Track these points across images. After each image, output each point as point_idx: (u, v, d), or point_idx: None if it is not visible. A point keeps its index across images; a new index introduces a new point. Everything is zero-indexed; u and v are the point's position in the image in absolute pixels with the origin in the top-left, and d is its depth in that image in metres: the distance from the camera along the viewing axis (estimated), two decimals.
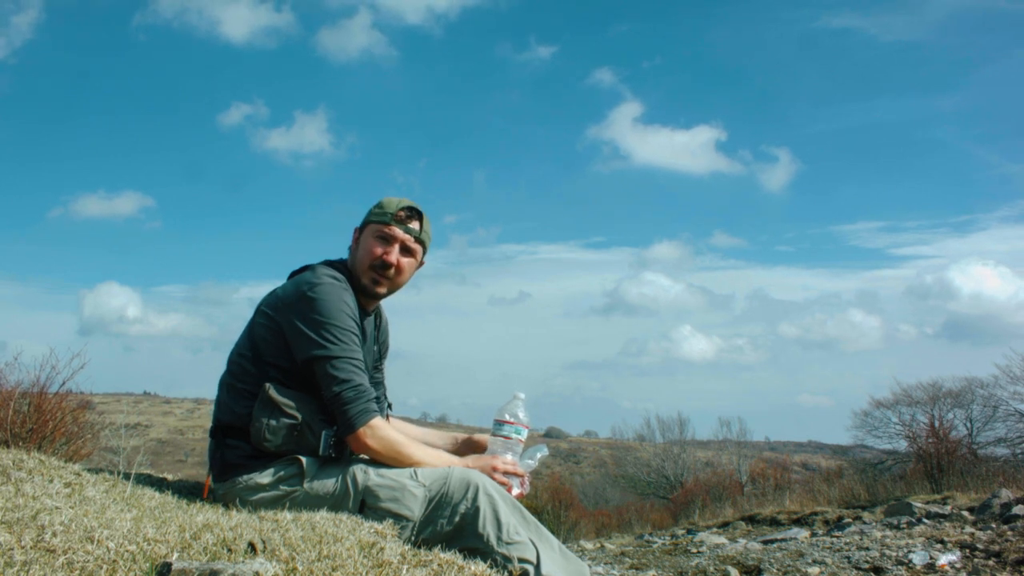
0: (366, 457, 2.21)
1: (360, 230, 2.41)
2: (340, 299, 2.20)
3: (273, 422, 2.10)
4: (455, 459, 2.27)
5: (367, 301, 2.38)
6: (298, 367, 2.18)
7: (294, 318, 2.17)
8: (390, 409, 2.55)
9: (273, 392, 2.12)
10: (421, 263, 2.44)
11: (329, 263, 2.37)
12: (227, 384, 2.27)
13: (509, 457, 2.30)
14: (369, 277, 2.34)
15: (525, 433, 2.36)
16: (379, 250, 2.33)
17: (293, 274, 2.38)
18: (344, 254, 2.46)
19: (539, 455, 2.38)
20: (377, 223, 2.35)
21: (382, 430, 2.14)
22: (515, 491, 2.23)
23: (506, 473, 2.25)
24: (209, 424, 2.31)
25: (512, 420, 2.34)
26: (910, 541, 4.63)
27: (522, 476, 2.28)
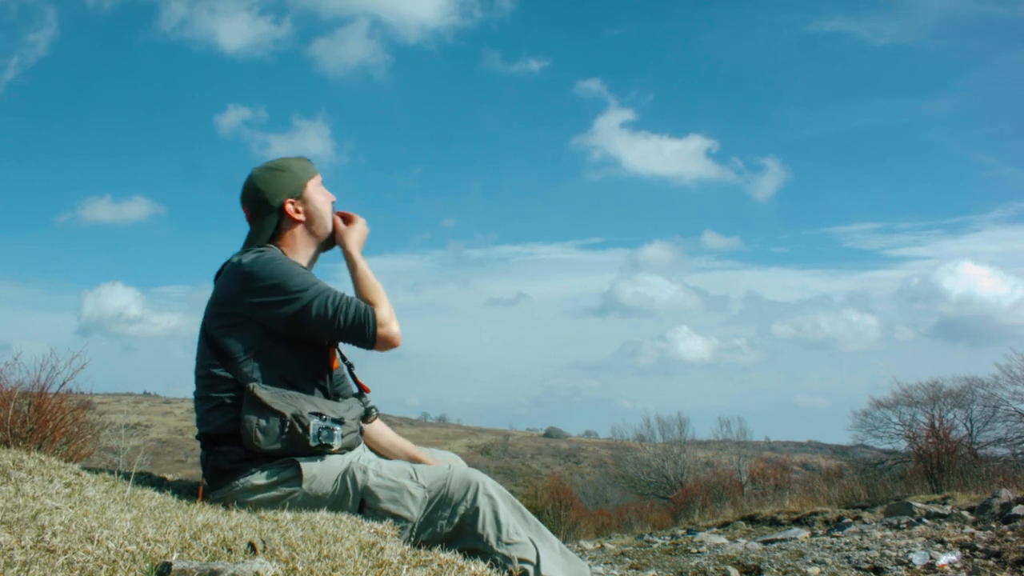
0: (364, 456, 2.22)
1: (297, 197, 2.37)
2: (281, 260, 2.22)
3: (263, 421, 2.08)
4: None
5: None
6: (276, 357, 2.18)
7: (251, 297, 2.16)
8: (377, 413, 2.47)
9: (258, 391, 2.10)
10: None
11: (248, 249, 2.34)
12: (204, 398, 2.22)
13: None
14: (331, 218, 2.43)
15: None
16: (332, 194, 2.44)
17: (217, 275, 2.37)
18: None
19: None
20: (312, 176, 2.40)
21: (387, 318, 2.19)
22: None
23: None
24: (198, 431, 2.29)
25: None
26: (910, 541, 4.63)
27: None
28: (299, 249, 2.37)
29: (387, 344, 2.19)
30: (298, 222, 2.37)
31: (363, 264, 2.32)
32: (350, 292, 2.28)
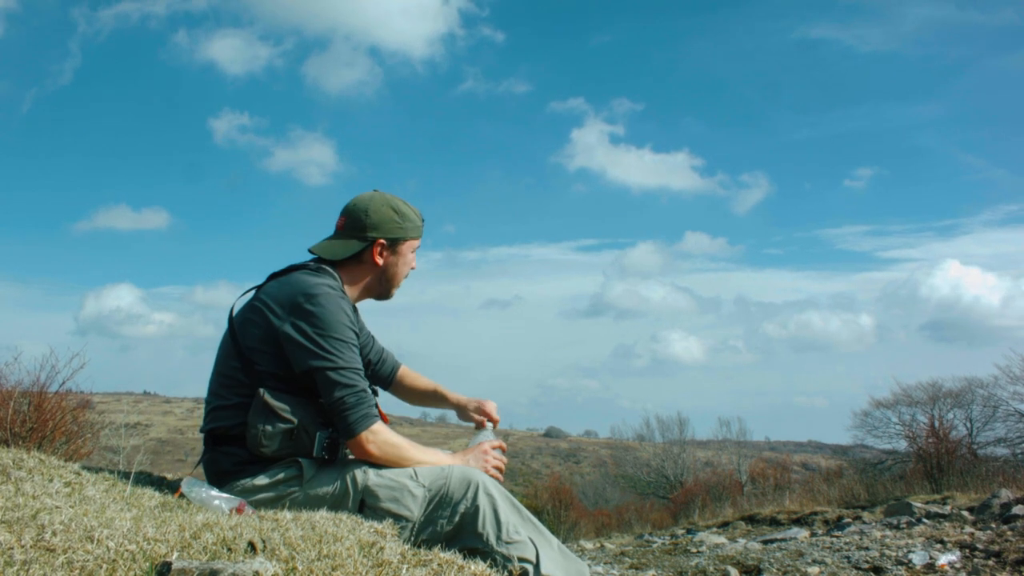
0: None
1: (392, 244, 2.34)
2: (339, 309, 2.15)
3: (269, 427, 2.07)
4: (455, 458, 2.28)
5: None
6: (294, 375, 2.14)
7: (291, 330, 2.11)
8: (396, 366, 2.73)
9: (268, 397, 2.09)
10: None
11: (319, 267, 2.30)
12: (217, 394, 2.21)
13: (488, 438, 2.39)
14: (398, 288, 2.43)
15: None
16: (415, 263, 2.44)
17: (274, 275, 2.32)
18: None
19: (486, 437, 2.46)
20: (416, 239, 2.40)
21: (383, 434, 2.13)
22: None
23: (494, 448, 2.34)
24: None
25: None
26: (910, 541, 4.63)
27: (502, 447, 2.39)
28: (357, 287, 2.36)
29: (358, 449, 2.11)
30: (375, 266, 2.35)
31: (429, 457, 2.19)
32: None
